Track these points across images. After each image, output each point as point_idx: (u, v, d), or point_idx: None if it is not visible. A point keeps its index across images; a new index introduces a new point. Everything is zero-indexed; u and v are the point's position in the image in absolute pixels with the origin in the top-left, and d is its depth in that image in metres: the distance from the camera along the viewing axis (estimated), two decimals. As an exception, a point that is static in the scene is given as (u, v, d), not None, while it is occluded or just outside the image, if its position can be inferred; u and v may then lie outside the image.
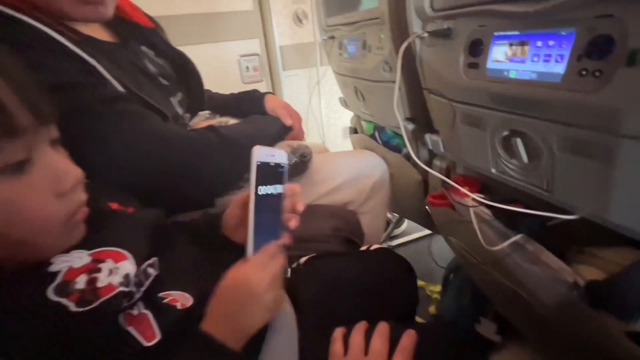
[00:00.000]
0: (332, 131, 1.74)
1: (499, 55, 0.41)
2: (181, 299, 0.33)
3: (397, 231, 1.36)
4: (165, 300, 0.32)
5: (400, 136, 0.88)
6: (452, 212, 0.65)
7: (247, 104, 0.74)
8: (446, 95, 0.52)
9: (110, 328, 0.27)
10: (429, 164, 0.79)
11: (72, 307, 0.25)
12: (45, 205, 0.25)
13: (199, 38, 1.37)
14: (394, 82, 0.70)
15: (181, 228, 0.45)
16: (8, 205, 0.23)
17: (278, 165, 0.40)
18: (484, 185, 0.62)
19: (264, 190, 0.41)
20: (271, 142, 0.63)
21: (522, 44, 0.38)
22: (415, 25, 0.54)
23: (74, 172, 0.28)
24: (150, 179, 0.47)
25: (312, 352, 0.37)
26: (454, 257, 1.03)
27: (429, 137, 0.66)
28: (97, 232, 0.30)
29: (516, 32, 0.38)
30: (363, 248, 0.63)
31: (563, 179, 0.40)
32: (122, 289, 0.28)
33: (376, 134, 0.92)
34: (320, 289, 0.46)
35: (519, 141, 0.43)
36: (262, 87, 1.56)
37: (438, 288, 1.06)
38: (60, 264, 0.26)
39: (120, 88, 0.46)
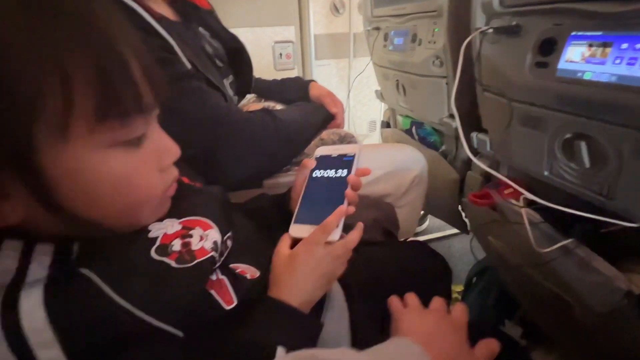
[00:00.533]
0: (358, 124, 1.73)
1: (575, 56, 0.40)
2: (249, 271, 0.35)
3: (418, 229, 1.36)
4: (237, 271, 0.33)
5: (439, 133, 0.88)
6: (492, 213, 0.65)
7: (292, 91, 0.75)
8: (506, 94, 0.51)
9: (202, 289, 0.29)
10: (469, 163, 0.79)
11: (173, 264, 0.27)
12: (150, 178, 0.27)
13: (236, 21, 1.38)
14: (442, 77, 0.70)
15: (234, 206, 0.47)
16: (125, 176, 0.25)
17: (342, 155, 0.41)
18: (528, 187, 0.62)
19: (320, 173, 0.42)
20: (317, 129, 0.64)
21: (605, 45, 0.37)
22: (479, 21, 0.53)
23: (175, 149, 0.29)
24: (206, 156, 0.49)
25: (362, 329, 0.38)
26: (480, 260, 1.03)
27: (475, 136, 0.65)
28: (180, 204, 0.32)
29: (598, 33, 0.37)
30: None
31: (629, 186, 0.39)
32: (213, 253, 0.30)
33: (413, 129, 0.92)
34: (365, 273, 0.47)
35: (583, 145, 0.42)
36: (294, 75, 1.56)
37: (459, 288, 1.07)
38: (156, 230, 0.28)
39: (189, 66, 0.47)
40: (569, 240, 0.47)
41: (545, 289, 0.51)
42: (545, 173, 0.51)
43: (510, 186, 0.62)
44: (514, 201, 0.57)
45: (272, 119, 0.54)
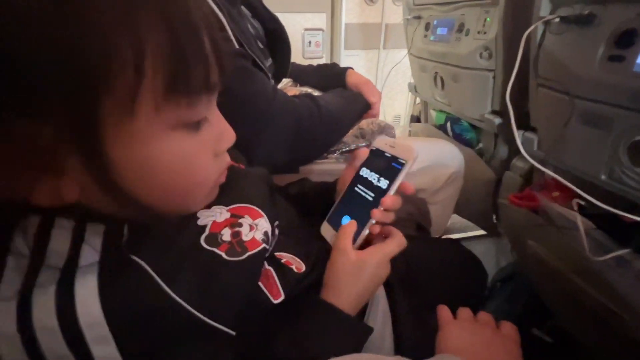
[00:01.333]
0: (383, 118, 1.70)
1: (660, 49, 0.37)
2: (294, 263, 0.33)
3: (439, 229, 1.33)
4: (282, 261, 0.32)
5: (476, 130, 0.84)
6: (533, 215, 0.61)
7: (329, 77, 0.73)
8: (568, 90, 0.48)
9: (252, 283, 0.28)
10: (507, 163, 0.75)
11: (224, 256, 0.25)
12: (207, 163, 0.25)
13: (267, 5, 1.35)
14: (489, 70, 0.67)
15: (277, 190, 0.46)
16: (184, 159, 0.23)
17: (393, 159, 0.38)
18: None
19: (365, 173, 0.40)
20: (356, 118, 0.62)
21: (701, 37, 0.33)
22: (543, 9, 0.49)
23: (231, 134, 0.27)
24: (249, 138, 0.48)
25: (404, 328, 0.37)
26: (504, 266, 0.99)
27: (521, 134, 0.62)
28: (227, 188, 0.30)
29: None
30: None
31: None
32: (264, 246, 0.28)
33: (448, 125, 0.89)
34: (404, 267, 0.46)
35: (656, 148, 0.39)
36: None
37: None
38: (205, 218, 0.27)
39: (237, 45, 0.46)
40: (627, 251, 0.44)
41: (593, 300, 0.48)
42: (603, 177, 0.47)
43: (558, 189, 0.59)
44: (562, 204, 0.54)
45: (316, 105, 0.52)
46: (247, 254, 0.26)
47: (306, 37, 1.45)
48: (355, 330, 0.32)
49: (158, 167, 0.22)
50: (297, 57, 1.50)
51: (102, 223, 0.23)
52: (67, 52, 0.17)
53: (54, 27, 0.16)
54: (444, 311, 0.36)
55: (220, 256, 0.25)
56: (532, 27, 0.49)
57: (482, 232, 1.11)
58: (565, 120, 0.49)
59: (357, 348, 0.31)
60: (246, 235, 0.27)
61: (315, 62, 1.51)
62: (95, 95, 0.18)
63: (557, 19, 0.47)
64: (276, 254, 0.33)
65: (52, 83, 0.17)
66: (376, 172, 0.39)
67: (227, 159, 0.28)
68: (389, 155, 0.39)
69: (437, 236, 0.66)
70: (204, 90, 0.22)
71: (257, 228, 0.29)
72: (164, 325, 0.22)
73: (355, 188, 0.40)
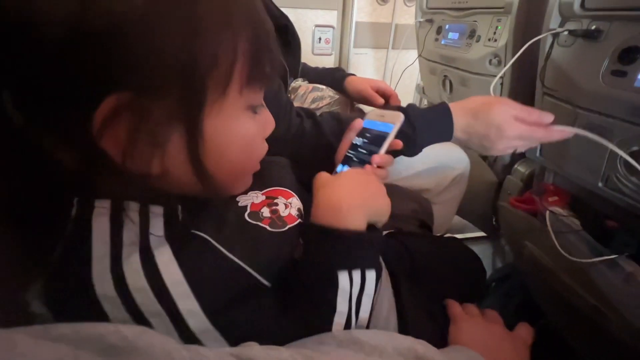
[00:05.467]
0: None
1: (660, 67, 0.39)
2: None
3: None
4: None
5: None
6: (531, 218, 0.64)
7: (329, 83, 0.75)
8: (571, 100, 0.50)
9: (292, 249, 0.30)
10: (509, 167, 0.78)
11: (268, 228, 0.29)
12: (260, 144, 0.30)
13: (280, 1, 1.36)
14: (497, 76, 0.69)
15: None
16: (250, 138, 0.28)
17: (383, 126, 0.43)
18: (572, 197, 0.61)
19: (359, 142, 0.44)
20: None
21: (699, 58, 0.36)
22: (553, 21, 0.51)
23: (272, 122, 0.31)
24: None
25: (411, 317, 0.39)
26: (500, 267, 1.03)
27: (524, 140, 0.64)
28: (257, 176, 0.33)
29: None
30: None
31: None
32: (300, 220, 0.31)
33: (453, 127, 0.91)
34: (409, 263, 0.48)
35: (652, 159, 0.42)
36: (330, 61, 1.55)
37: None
38: (244, 201, 0.30)
39: None
40: (617, 255, 0.47)
41: (584, 301, 0.51)
42: (600, 184, 0.50)
43: (555, 194, 0.62)
44: (559, 209, 0.57)
45: (316, 134, 0.49)
46: (287, 226, 0.30)
47: (316, 33, 1.47)
48: (361, 240, 0.31)
49: (232, 142, 0.26)
50: (307, 52, 1.51)
51: (161, 205, 0.26)
52: (187, 44, 0.21)
53: (177, 24, 0.21)
54: (455, 306, 0.38)
55: (265, 228, 0.28)
56: (537, 37, 0.51)
57: (479, 233, 1.14)
58: (568, 129, 0.52)
59: (375, 257, 0.32)
60: (283, 212, 0.31)
61: (324, 59, 1.53)
62: (206, 76, 0.22)
63: (566, 32, 0.49)
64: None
65: (174, 68, 0.21)
66: (369, 140, 0.43)
67: (266, 146, 0.31)
68: (380, 123, 0.44)
69: (445, 234, 0.69)
70: (267, 80, 0.27)
71: (291, 206, 0.32)
72: (228, 282, 0.25)
73: (351, 156, 0.44)
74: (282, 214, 0.30)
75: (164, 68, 0.21)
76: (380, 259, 0.33)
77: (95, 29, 0.19)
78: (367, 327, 0.30)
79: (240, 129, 0.26)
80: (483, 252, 1.25)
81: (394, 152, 0.44)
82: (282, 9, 0.71)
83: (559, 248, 0.50)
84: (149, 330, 0.18)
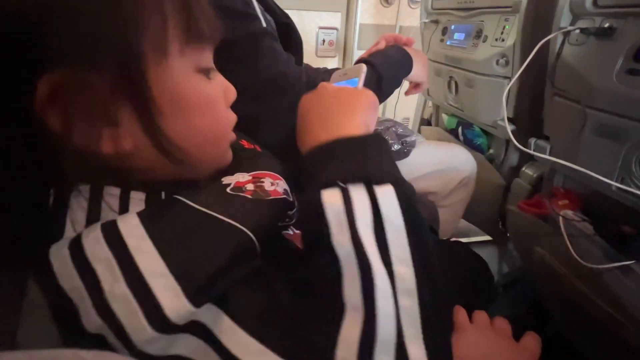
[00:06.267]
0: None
1: (679, 65, 0.37)
2: None
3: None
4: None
5: (487, 136, 0.85)
6: (540, 222, 0.62)
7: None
8: (582, 100, 0.48)
9: (276, 219, 0.28)
10: (517, 170, 0.76)
11: (249, 197, 0.26)
12: (224, 109, 0.28)
13: (283, 2, 1.36)
14: (505, 77, 0.67)
15: None
16: (210, 101, 0.26)
17: (349, 82, 0.43)
18: (584, 200, 0.59)
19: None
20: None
21: None
22: (563, 20, 0.50)
23: (233, 90, 0.29)
24: (271, 116, 0.48)
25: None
26: (508, 272, 1.00)
27: (533, 142, 0.63)
28: (246, 162, 0.32)
29: None
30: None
31: None
32: (287, 197, 0.29)
33: (459, 129, 0.90)
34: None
35: (669, 161, 0.40)
36: (334, 63, 1.54)
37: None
38: (228, 180, 0.29)
39: (264, 24, 0.47)
40: (633, 261, 0.45)
41: (598, 308, 0.49)
42: (614, 188, 0.48)
43: (566, 197, 0.60)
44: (571, 213, 0.55)
45: None
46: (271, 197, 0.28)
47: (320, 35, 1.46)
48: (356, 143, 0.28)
49: (190, 105, 0.25)
50: (311, 54, 1.51)
51: (143, 191, 0.25)
52: (110, 9, 0.20)
53: None
54: (461, 314, 0.36)
55: (246, 197, 0.26)
56: (548, 37, 0.50)
57: (485, 237, 1.12)
58: (579, 130, 0.50)
59: (385, 155, 0.28)
60: (268, 187, 0.29)
61: (327, 61, 1.52)
62: (139, 38, 0.21)
63: (577, 30, 0.48)
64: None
65: (102, 36, 0.20)
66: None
67: (234, 115, 0.30)
68: (344, 82, 0.43)
69: (450, 238, 0.67)
70: (209, 39, 0.26)
71: (277, 185, 0.30)
72: (206, 241, 0.22)
73: None
74: (267, 189, 0.28)
75: (91, 38, 0.20)
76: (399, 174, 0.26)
77: (13, 11, 0.19)
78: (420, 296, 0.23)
79: (194, 90, 0.25)
80: (489, 256, 1.22)
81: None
82: (286, 11, 0.70)
83: (573, 253, 0.48)
84: (109, 354, 0.16)
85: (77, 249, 0.21)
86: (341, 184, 0.24)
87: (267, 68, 0.47)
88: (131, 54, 0.21)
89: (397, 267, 0.22)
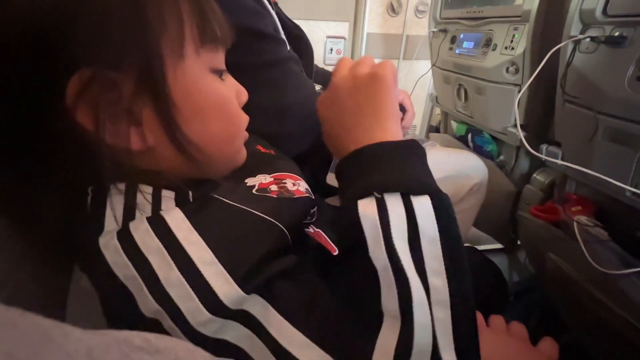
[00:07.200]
0: (398, 127, 1.71)
1: (691, 72, 0.38)
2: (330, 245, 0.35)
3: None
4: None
5: (497, 142, 0.85)
6: (553, 229, 0.62)
7: None
8: (594, 107, 0.49)
9: (303, 216, 0.30)
10: (528, 176, 0.76)
11: (275, 197, 0.28)
12: (237, 108, 0.29)
13: (292, 12, 1.39)
14: (516, 84, 0.68)
15: None
16: (225, 100, 0.28)
17: None
18: (597, 207, 0.59)
19: None
20: None
21: None
22: (574, 28, 0.51)
23: (244, 92, 0.31)
24: (291, 136, 0.49)
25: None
26: (520, 280, 0.99)
27: (545, 148, 0.63)
28: (265, 165, 0.33)
29: None
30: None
31: None
32: (309, 195, 0.31)
33: (469, 136, 0.90)
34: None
35: (684, 167, 0.40)
36: (341, 71, 1.57)
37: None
38: (252, 181, 0.30)
39: (289, 47, 0.49)
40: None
41: (615, 317, 0.49)
42: (628, 193, 0.48)
43: (579, 203, 0.60)
44: (584, 219, 0.55)
45: None
46: (296, 196, 0.29)
47: (328, 44, 1.49)
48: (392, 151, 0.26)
49: (206, 104, 0.26)
50: (318, 63, 1.52)
51: (173, 190, 0.26)
52: (132, 13, 0.22)
53: None
54: (477, 317, 0.37)
55: (272, 197, 0.28)
56: (559, 45, 0.51)
57: (495, 245, 1.11)
58: (591, 137, 0.51)
59: (419, 164, 0.27)
60: (291, 187, 0.30)
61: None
62: (158, 40, 0.23)
63: (588, 39, 0.48)
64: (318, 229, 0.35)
65: (125, 38, 0.21)
66: None
67: (246, 115, 0.31)
68: None
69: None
70: (222, 41, 0.27)
71: (299, 185, 0.31)
72: (248, 234, 0.24)
73: None
74: (290, 189, 0.30)
75: (116, 40, 0.21)
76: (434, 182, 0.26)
77: (41, 16, 0.20)
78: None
79: (210, 89, 0.26)
80: (499, 264, 1.21)
81: None
82: (295, 21, 0.73)
83: (589, 259, 0.48)
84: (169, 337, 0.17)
85: (127, 240, 0.22)
86: (377, 194, 0.24)
87: (293, 93, 0.49)
88: (151, 55, 0.22)
89: (431, 279, 0.23)
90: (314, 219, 0.34)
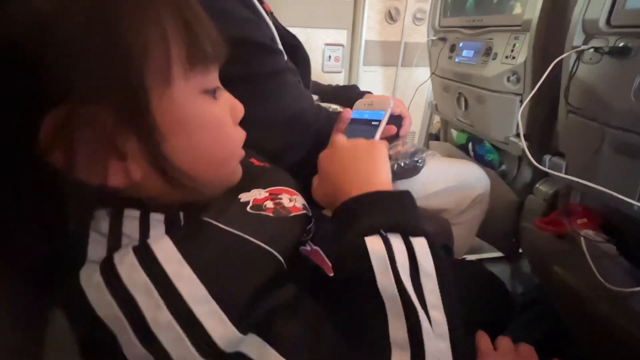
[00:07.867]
0: (398, 134, 1.71)
1: (701, 85, 0.37)
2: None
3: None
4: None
5: (498, 151, 0.84)
6: (557, 241, 0.61)
7: (347, 100, 0.74)
8: (599, 118, 0.48)
9: (299, 236, 0.29)
10: (531, 186, 0.75)
11: (271, 215, 0.27)
12: (231, 128, 0.28)
13: (289, 20, 1.38)
14: (517, 94, 0.67)
15: None
16: (217, 123, 0.26)
17: (374, 114, 0.44)
18: (605, 219, 0.58)
19: (352, 131, 0.44)
20: None
21: None
22: (576, 39, 0.50)
23: (240, 107, 0.29)
24: (289, 148, 0.48)
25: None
26: (524, 291, 0.98)
27: (548, 159, 0.62)
28: (260, 179, 0.33)
29: None
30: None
31: None
32: (306, 212, 0.30)
33: (470, 145, 0.89)
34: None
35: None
36: (340, 79, 1.56)
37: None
38: (246, 197, 0.29)
39: (286, 58, 0.48)
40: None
41: (622, 331, 0.47)
42: (636, 207, 0.47)
43: (585, 216, 0.58)
44: (591, 232, 0.54)
45: None
46: (292, 214, 0.29)
47: (326, 51, 1.49)
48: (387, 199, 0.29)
49: (197, 130, 0.24)
50: (317, 70, 1.53)
51: (162, 212, 0.24)
52: (108, 41, 0.20)
53: (93, 25, 0.19)
54: (484, 341, 0.36)
55: (268, 216, 0.27)
56: (562, 56, 0.50)
57: (496, 253, 1.10)
58: (596, 148, 0.49)
59: (411, 213, 0.29)
60: (287, 204, 0.30)
61: (333, 76, 1.54)
62: (141, 70, 0.21)
63: (591, 50, 0.47)
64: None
65: (99, 66, 0.20)
66: (360, 129, 0.43)
67: (242, 132, 0.30)
68: (369, 112, 0.44)
69: (458, 258, 0.66)
70: (213, 60, 0.25)
71: (295, 200, 0.31)
72: (240, 264, 0.23)
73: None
74: (286, 205, 0.29)
75: (92, 73, 0.19)
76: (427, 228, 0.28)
77: (7, 52, 0.18)
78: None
79: (200, 112, 0.24)
80: (500, 273, 1.19)
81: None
82: (293, 28, 0.72)
83: (598, 276, 0.46)
84: None
85: (111, 275, 0.20)
86: (383, 232, 0.26)
87: (291, 104, 0.48)
88: (134, 86, 0.20)
89: (432, 312, 0.24)
90: (310, 235, 0.33)
